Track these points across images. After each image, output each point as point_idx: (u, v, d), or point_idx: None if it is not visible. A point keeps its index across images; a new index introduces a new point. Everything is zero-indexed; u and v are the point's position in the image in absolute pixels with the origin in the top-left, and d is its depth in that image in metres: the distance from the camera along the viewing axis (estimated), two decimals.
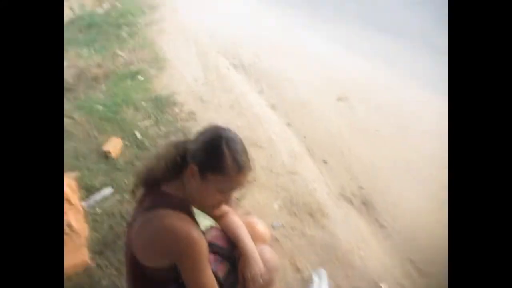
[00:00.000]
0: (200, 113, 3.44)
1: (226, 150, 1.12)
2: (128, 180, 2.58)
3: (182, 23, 7.46)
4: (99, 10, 9.43)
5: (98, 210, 2.35)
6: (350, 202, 2.48)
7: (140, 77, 4.32)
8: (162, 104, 3.59)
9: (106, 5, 10.06)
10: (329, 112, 3.53)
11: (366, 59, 4.69)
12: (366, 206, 2.44)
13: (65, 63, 4.95)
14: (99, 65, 4.71)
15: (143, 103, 3.64)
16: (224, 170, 1.12)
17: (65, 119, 3.42)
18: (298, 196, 2.47)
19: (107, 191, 2.46)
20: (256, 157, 2.79)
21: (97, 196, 2.42)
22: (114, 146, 2.91)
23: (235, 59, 4.85)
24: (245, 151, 1.20)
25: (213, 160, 1.13)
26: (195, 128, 3.19)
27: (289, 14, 7.51)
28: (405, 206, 2.42)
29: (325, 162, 2.85)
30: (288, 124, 3.34)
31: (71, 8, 9.08)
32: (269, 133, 3.15)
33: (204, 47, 5.42)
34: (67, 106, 3.70)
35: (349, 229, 2.27)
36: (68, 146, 3.02)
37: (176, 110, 3.49)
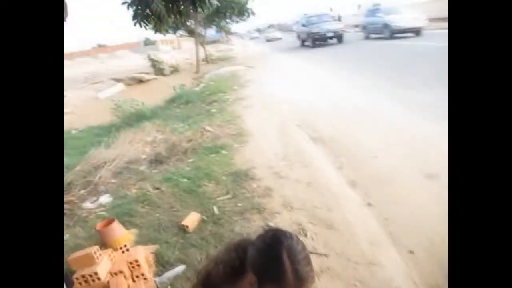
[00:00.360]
0: (277, 189, 3.41)
1: (286, 261, 1.04)
2: (201, 257, 2.59)
3: (267, 97, 7.96)
4: (196, 89, 10.64)
5: (169, 287, 2.36)
6: None
7: (224, 151, 4.54)
8: (241, 179, 3.67)
9: (202, 84, 11.34)
10: (416, 191, 3.20)
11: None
12: None
13: (160, 136, 5.51)
14: (189, 140, 5.12)
15: (223, 177, 3.77)
16: (284, 282, 1.03)
17: (153, 190, 3.70)
18: None
19: (179, 268, 2.48)
20: (331, 242, 2.60)
21: (170, 273, 2.45)
22: (192, 220, 3.00)
23: (315, 132, 4.86)
24: (308, 261, 1.09)
25: (272, 271, 1.05)
26: (270, 204, 3.16)
27: (373, 85, 7.47)
28: None
29: (411, 252, 2.50)
30: (369, 205, 3.09)
31: (173, 87, 10.46)
32: (347, 214, 2.94)
33: (284, 120, 5.58)
34: (157, 177, 4.04)
35: None
36: (153, 217, 3.21)
37: (254, 185, 3.53)
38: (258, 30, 50.79)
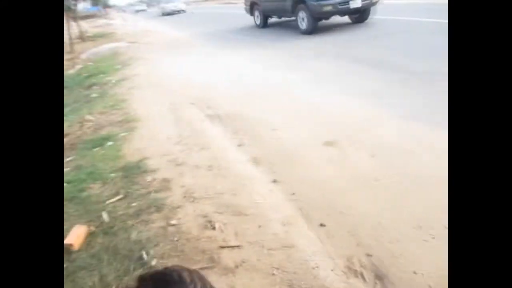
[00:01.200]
0: (175, 179, 3.01)
1: None
2: (94, 280, 2.09)
3: (154, 76, 7.23)
4: (71, 71, 9.17)
5: None
6: (362, 277, 2.03)
7: (109, 143, 3.90)
8: (132, 174, 3.15)
9: (78, 66, 9.85)
10: (318, 161, 3.16)
11: (356, 98, 4.43)
12: (381, 281, 2.00)
13: None
14: (65, 134, 4.28)
15: (111, 174, 3.20)
16: None
17: None
18: (298, 278, 2.02)
19: None
20: (242, 230, 2.36)
21: None
22: (77, 236, 2.43)
23: (211, 110, 4.52)
24: None
25: None
26: (170, 199, 2.76)
27: (270, 58, 7.37)
28: (426, 273, 1.99)
29: (323, 225, 2.42)
30: (275, 181, 2.94)
31: None
32: (254, 196, 2.73)
33: (176, 100, 5.10)
34: None
35: None
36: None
37: (148, 179, 3.06)
38: (143, 2, 46.25)
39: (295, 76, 5.62)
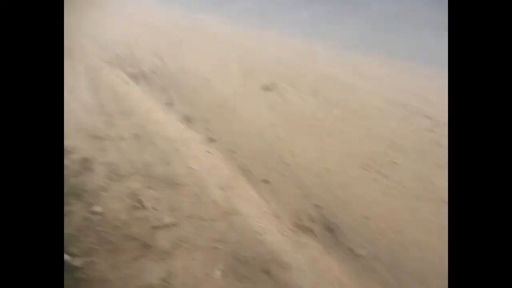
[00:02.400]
0: (97, 157, 2.60)
1: None
2: None
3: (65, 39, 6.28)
4: None
5: None
6: (311, 232, 1.88)
7: None
8: None
9: None
10: (258, 109, 2.87)
11: (288, 34, 4.06)
12: (331, 232, 1.85)
13: None
14: None
15: None
16: None
17: None
18: (243, 247, 1.82)
19: None
20: (178, 204, 2.09)
21: None
22: None
23: (133, 67, 3.97)
24: None
25: None
26: (92, 182, 2.39)
27: (193, 5, 6.61)
28: (378, 217, 1.87)
29: (266, 182, 2.21)
30: (212, 140, 2.63)
31: None
32: (189, 162, 2.42)
33: (93, 62, 4.44)
34: None
35: (321, 276, 1.67)
36: None
37: (65, 162, 2.62)
38: None
39: (218, 17, 5.08)
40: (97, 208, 2.15)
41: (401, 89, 2.75)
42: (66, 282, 1.66)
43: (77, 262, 1.87)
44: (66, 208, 2.23)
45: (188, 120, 2.90)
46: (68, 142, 2.87)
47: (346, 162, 2.22)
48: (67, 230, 2.07)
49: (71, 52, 5.19)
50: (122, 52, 4.42)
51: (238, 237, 1.87)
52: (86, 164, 2.55)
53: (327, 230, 1.87)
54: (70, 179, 2.46)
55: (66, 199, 2.29)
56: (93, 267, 1.72)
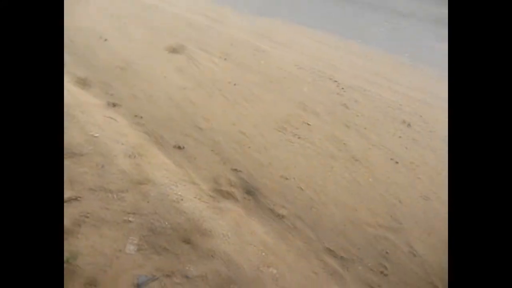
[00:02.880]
0: None
1: None
2: None
3: None
4: None
5: None
6: (232, 196, 1.81)
7: None
8: None
9: None
10: (166, 72, 2.63)
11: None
12: (252, 195, 1.81)
13: None
14: None
15: None
16: None
17: None
18: (160, 218, 1.66)
19: None
20: (79, 176, 1.80)
21: None
22: None
23: None
24: None
25: None
26: None
27: None
28: (297, 177, 1.89)
29: (180, 147, 2.05)
30: (114, 105, 2.33)
31: None
32: (89, 128, 2.10)
33: None
34: None
35: (245, 239, 1.62)
36: None
37: None
38: None
39: None
40: None
41: (310, 55, 2.82)
42: None
43: None
44: None
45: (84, 83, 2.51)
46: None
47: (261, 125, 2.18)
48: None
49: None
50: None
51: (152, 208, 1.69)
52: None
53: (247, 193, 1.82)
54: None
55: None
56: None
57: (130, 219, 1.64)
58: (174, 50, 2.86)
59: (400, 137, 2.08)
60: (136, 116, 2.24)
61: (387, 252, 1.56)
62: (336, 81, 2.51)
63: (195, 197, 1.76)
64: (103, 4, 3.61)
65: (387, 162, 1.94)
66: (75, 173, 1.82)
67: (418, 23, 3.16)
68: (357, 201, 1.76)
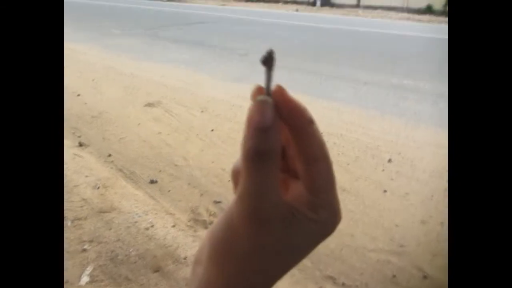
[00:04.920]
0: None
1: None
2: None
3: None
4: None
5: None
6: (212, 225, 1.54)
7: None
8: None
9: None
10: (141, 120, 2.50)
11: (178, 68, 3.93)
12: None
13: None
14: None
15: None
16: None
17: None
18: (123, 245, 1.34)
19: None
20: None
21: None
22: None
23: None
24: None
25: None
26: None
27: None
28: None
29: (154, 182, 1.81)
30: (81, 145, 2.11)
31: None
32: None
33: None
34: None
35: None
36: None
37: None
38: None
39: (98, 48, 4.68)
40: None
41: None
42: None
43: None
44: None
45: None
46: None
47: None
48: None
49: None
50: None
51: (115, 235, 1.39)
52: None
53: None
54: None
55: None
56: None
57: (86, 247, 1.32)
58: (149, 104, 2.79)
59: (383, 170, 1.98)
60: (105, 155, 2.02)
61: (394, 276, 1.31)
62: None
63: (169, 225, 1.48)
64: (78, 69, 3.61)
65: (376, 191, 1.80)
66: None
67: (379, 89, 3.38)
68: (351, 227, 1.55)
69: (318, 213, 0.26)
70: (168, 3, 14.51)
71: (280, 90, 0.26)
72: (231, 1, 16.17)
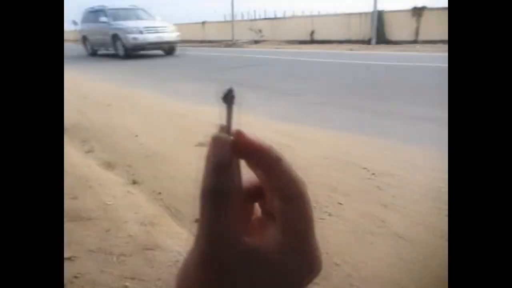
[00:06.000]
0: None
1: None
2: None
3: None
4: None
5: None
6: None
7: None
8: None
9: None
10: (192, 159, 2.60)
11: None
12: None
13: None
14: None
15: None
16: None
17: None
18: (163, 285, 1.34)
19: None
20: (80, 239, 1.58)
21: None
22: None
23: None
24: None
25: None
26: None
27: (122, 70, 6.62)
28: (330, 251, 1.58)
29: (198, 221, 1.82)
30: (135, 183, 2.23)
31: None
32: (103, 198, 1.96)
33: None
34: None
35: None
36: None
37: None
38: None
39: (156, 94, 5.08)
40: None
41: (334, 148, 2.77)
42: None
43: None
44: None
45: (108, 165, 2.49)
46: None
47: None
48: None
49: None
50: None
51: (158, 274, 1.39)
52: None
53: None
54: None
55: None
56: None
57: (127, 284, 1.34)
58: (200, 144, 2.90)
59: (446, 215, 1.79)
60: (155, 192, 2.11)
61: None
62: (365, 168, 2.37)
63: None
64: (140, 112, 3.93)
65: (436, 239, 1.62)
66: (76, 236, 1.60)
67: (439, 126, 3.18)
68: (406, 279, 1.40)
69: (287, 258, 0.23)
70: (226, 49, 15.57)
71: (239, 133, 0.25)
72: (285, 45, 16.84)
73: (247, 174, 0.32)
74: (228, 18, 22.66)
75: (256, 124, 3.44)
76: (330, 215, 1.86)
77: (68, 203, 1.86)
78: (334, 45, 15.02)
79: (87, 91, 5.49)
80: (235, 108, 0.27)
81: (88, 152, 2.75)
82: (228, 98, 0.26)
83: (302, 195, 0.26)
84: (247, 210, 0.28)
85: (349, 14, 16.41)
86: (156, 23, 11.97)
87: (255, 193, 0.28)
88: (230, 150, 0.24)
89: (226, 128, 0.26)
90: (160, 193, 2.11)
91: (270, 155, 0.26)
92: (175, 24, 12.73)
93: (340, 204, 1.97)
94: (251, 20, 23.48)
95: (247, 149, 0.25)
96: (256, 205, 0.29)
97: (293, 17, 21.81)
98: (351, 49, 13.00)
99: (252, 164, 0.26)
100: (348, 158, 2.58)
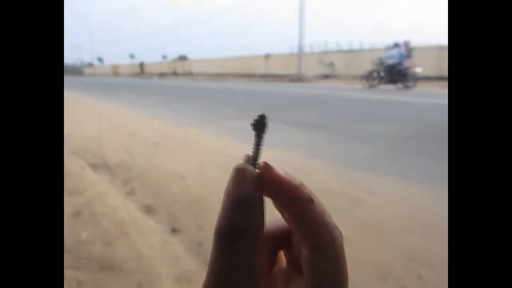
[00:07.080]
0: None
1: None
2: None
3: None
4: None
5: None
6: None
7: None
8: None
9: None
10: None
11: (287, 150, 4.16)
12: None
13: None
14: None
15: None
16: None
17: None
18: None
19: None
20: None
21: None
22: None
23: (96, 158, 3.85)
24: None
25: None
26: None
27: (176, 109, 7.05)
28: None
29: None
30: (174, 231, 2.29)
31: None
32: (139, 246, 2.03)
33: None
34: None
35: None
36: None
37: None
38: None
39: (202, 130, 5.30)
40: None
41: (416, 205, 2.59)
42: None
43: None
44: None
45: (148, 209, 2.60)
46: None
47: (363, 272, 1.87)
48: None
49: None
50: (88, 145, 4.38)
51: None
52: None
53: None
54: None
55: None
56: None
57: None
58: None
59: None
60: (196, 243, 2.13)
61: None
62: None
63: None
64: (189, 152, 4.11)
65: None
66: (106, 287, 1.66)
67: None
68: None
69: None
70: (292, 83, 16.00)
71: (266, 166, 0.25)
72: (360, 80, 16.82)
73: (273, 216, 0.32)
74: (295, 50, 23.50)
75: (327, 172, 3.40)
76: None
77: (100, 250, 1.95)
78: (423, 83, 14.63)
79: (133, 128, 5.93)
80: (265, 138, 0.27)
81: (128, 193, 2.91)
82: (259, 125, 0.26)
83: (336, 245, 0.24)
84: (270, 258, 0.27)
85: (442, 47, 15.90)
86: None
87: (280, 239, 0.27)
88: (254, 185, 0.24)
89: (253, 160, 0.26)
90: (201, 244, 2.13)
91: (301, 194, 0.25)
92: (235, 58, 13.51)
93: (421, 278, 1.81)
94: (321, 52, 24.06)
95: (274, 185, 0.25)
96: (281, 253, 0.28)
97: (372, 49, 21.89)
98: (442, 87, 12.57)
99: (280, 204, 0.25)
100: (427, 218, 2.41)
